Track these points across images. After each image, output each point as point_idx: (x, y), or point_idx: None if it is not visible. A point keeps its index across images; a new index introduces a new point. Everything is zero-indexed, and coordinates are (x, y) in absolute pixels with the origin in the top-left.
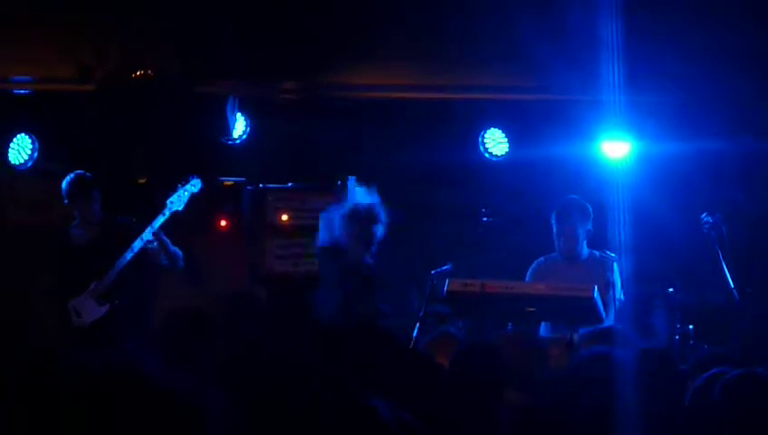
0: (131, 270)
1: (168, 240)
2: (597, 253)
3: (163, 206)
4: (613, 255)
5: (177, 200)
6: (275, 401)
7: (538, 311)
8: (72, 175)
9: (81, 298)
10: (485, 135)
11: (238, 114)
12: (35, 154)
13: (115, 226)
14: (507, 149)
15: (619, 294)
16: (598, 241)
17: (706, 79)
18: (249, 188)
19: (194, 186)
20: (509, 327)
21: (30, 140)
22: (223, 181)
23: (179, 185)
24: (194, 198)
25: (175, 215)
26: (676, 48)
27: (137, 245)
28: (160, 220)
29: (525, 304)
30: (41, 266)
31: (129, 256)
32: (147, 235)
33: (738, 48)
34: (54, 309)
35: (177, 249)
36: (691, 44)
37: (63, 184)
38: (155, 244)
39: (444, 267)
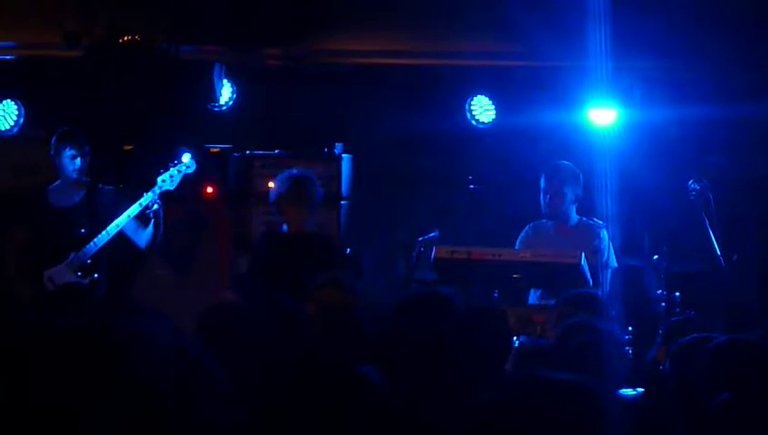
0: (111, 245)
1: (162, 219)
2: (585, 220)
3: (153, 183)
4: (601, 222)
5: (170, 180)
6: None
7: (525, 278)
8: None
9: (58, 268)
10: (472, 102)
11: (225, 81)
12: (21, 120)
13: (98, 192)
14: (494, 117)
15: (612, 261)
16: (585, 208)
17: (693, 45)
18: (236, 155)
19: (188, 167)
20: (495, 295)
21: (15, 106)
22: (209, 148)
23: (171, 164)
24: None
25: (165, 193)
26: (663, 14)
27: (122, 221)
28: (149, 198)
29: (512, 272)
30: (17, 227)
31: (112, 231)
32: (134, 210)
33: (724, 15)
34: (29, 272)
35: (162, 229)
36: (677, 11)
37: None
38: (150, 213)
39: (430, 234)
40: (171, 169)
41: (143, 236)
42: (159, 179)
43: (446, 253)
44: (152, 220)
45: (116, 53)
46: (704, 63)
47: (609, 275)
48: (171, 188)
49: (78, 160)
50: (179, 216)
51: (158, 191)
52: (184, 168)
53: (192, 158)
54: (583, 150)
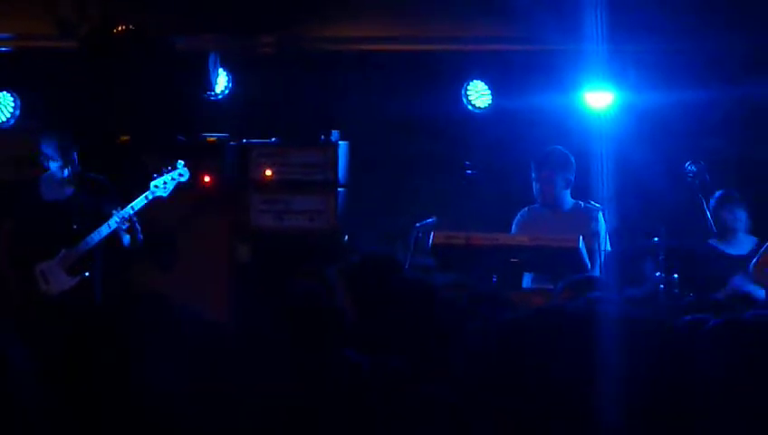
0: (102, 242)
1: (139, 227)
2: (582, 203)
3: (146, 188)
4: (598, 205)
5: (163, 187)
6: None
7: (523, 262)
8: (47, 136)
9: (50, 264)
10: (468, 87)
11: (220, 69)
12: (17, 112)
13: (88, 182)
14: (490, 101)
15: (605, 244)
16: (582, 192)
17: (688, 28)
18: (232, 143)
19: (182, 175)
20: (494, 279)
21: (12, 98)
22: (206, 137)
23: (166, 169)
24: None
25: (157, 199)
26: None
27: (113, 222)
28: (142, 202)
29: (510, 256)
30: (6, 217)
31: (104, 232)
32: (126, 212)
33: None
34: (20, 268)
35: (141, 236)
36: None
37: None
38: (125, 225)
39: (428, 220)
40: (165, 175)
41: (125, 238)
42: (153, 184)
43: (444, 238)
44: (135, 226)
45: (111, 43)
46: (699, 45)
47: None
48: (164, 195)
49: (66, 171)
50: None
51: (150, 197)
52: (177, 175)
53: (184, 165)
54: (580, 134)
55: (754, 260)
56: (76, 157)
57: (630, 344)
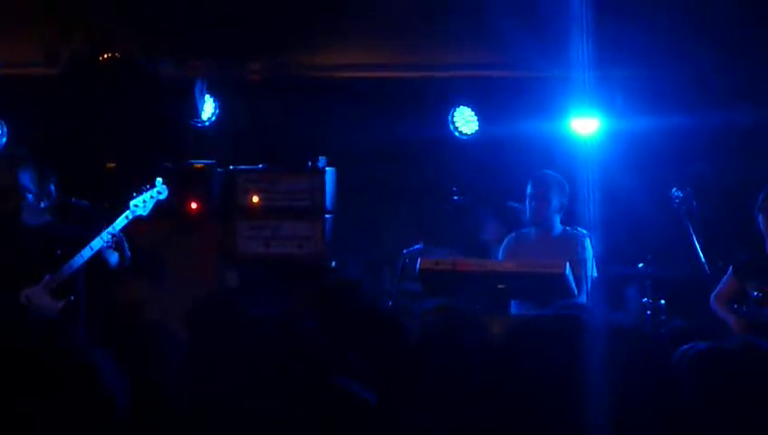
0: (86, 265)
1: (126, 245)
2: (569, 229)
3: (126, 207)
4: (585, 231)
5: (143, 206)
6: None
7: (510, 288)
8: (24, 167)
9: (34, 290)
10: (455, 113)
11: (207, 96)
12: (4, 139)
13: (71, 209)
14: (477, 127)
15: (593, 271)
16: (568, 217)
17: (674, 54)
18: (219, 170)
19: (160, 193)
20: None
21: None
22: (193, 164)
23: (144, 188)
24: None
25: (138, 218)
26: (644, 24)
27: (96, 244)
28: (122, 223)
29: (497, 282)
30: None
31: (87, 254)
32: (106, 235)
33: (704, 23)
34: (4, 295)
35: (129, 254)
36: (658, 20)
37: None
38: (111, 244)
39: (415, 246)
40: (144, 193)
41: (113, 257)
42: (132, 204)
43: (431, 264)
44: (123, 244)
45: (97, 70)
46: (685, 71)
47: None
48: (144, 214)
49: (42, 203)
50: (162, 232)
51: (131, 216)
52: (156, 193)
53: (162, 183)
54: (566, 160)
55: (716, 289)
56: (53, 188)
57: (614, 353)
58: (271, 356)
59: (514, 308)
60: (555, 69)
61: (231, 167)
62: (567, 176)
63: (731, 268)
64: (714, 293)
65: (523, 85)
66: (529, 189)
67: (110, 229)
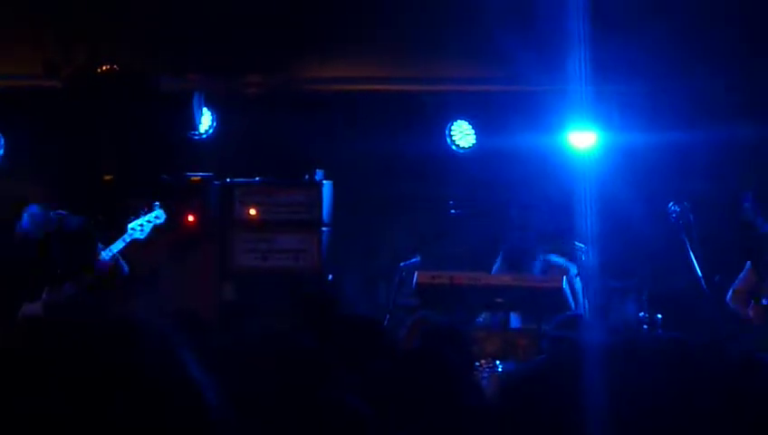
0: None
1: (123, 263)
2: (554, 259)
3: (124, 231)
4: (582, 245)
5: (140, 229)
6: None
7: (507, 302)
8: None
9: (33, 307)
10: (452, 127)
11: (204, 109)
12: (2, 151)
13: (67, 224)
14: (474, 141)
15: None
16: (566, 233)
17: (672, 69)
18: (216, 183)
19: (158, 217)
20: (480, 319)
21: None
22: (190, 177)
23: (143, 211)
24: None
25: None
26: (642, 38)
27: (96, 266)
28: (120, 245)
29: (494, 296)
30: None
31: (84, 279)
32: (105, 256)
33: (702, 39)
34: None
35: (126, 269)
36: (656, 35)
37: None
38: (110, 262)
39: (412, 260)
40: (142, 217)
41: (126, 266)
42: (130, 227)
43: (428, 278)
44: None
45: (96, 84)
46: (682, 86)
47: None
48: (142, 238)
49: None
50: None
51: (128, 239)
52: (153, 217)
53: (160, 206)
54: (563, 174)
55: (734, 285)
56: (53, 226)
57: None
58: (267, 370)
59: (514, 322)
60: (553, 83)
61: (228, 180)
62: (564, 189)
63: (749, 263)
64: (731, 288)
65: (521, 99)
66: (512, 216)
67: (106, 252)
